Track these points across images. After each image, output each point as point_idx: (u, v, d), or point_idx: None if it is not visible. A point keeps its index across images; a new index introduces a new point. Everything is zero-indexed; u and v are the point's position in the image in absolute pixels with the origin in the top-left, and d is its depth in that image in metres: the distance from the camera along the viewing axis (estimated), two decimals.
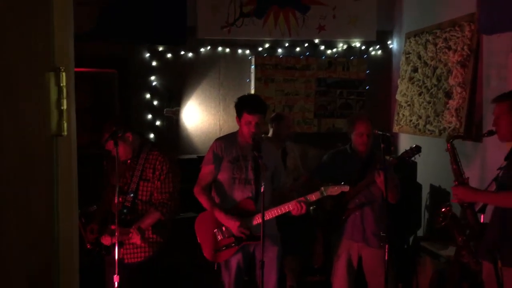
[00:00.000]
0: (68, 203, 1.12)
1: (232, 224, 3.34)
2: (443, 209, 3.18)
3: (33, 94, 1.03)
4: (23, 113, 1.01)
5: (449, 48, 4.39)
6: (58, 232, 1.11)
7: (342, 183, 3.37)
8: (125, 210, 3.31)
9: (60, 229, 1.12)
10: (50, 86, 1.04)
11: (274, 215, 3.35)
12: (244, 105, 3.41)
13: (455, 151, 3.17)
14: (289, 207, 3.33)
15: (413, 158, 3.58)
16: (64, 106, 1.05)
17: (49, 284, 1.12)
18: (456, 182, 3.05)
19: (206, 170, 3.47)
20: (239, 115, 3.43)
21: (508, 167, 2.86)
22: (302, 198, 3.33)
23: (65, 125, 1.07)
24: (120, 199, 3.26)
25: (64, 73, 1.05)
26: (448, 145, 3.19)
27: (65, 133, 1.07)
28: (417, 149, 3.52)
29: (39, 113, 1.04)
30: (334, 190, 3.35)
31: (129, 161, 3.42)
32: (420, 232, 4.81)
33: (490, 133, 2.99)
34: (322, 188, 3.34)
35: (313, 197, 3.35)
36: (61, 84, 1.05)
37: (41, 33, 1.03)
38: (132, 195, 3.35)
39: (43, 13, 1.02)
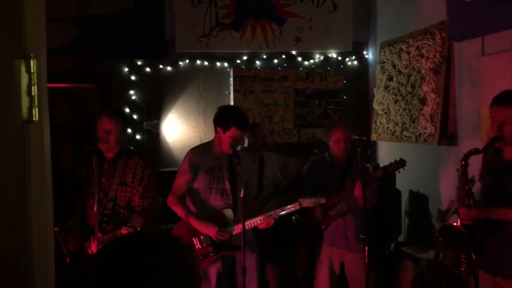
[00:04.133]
0: (41, 191, 1.13)
1: (209, 231, 3.34)
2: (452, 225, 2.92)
3: (3, 80, 1.05)
4: None
5: (422, 56, 4.50)
6: (31, 221, 1.12)
7: (319, 195, 3.42)
8: (105, 218, 3.29)
9: (33, 218, 1.13)
10: (21, 73, 1.06)
11: (247, 227, 3.37)
12: (234, 120, 3.38)
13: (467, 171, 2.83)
14: (259, 221, 3.36)
15: (397, 172, 3.62)
16: (35, 92, 1.07)
17: (22, 271, 1.12)
18: (467, 202, 2.77)
19: (181, 179, 3.46)
20: (224, 128, 3.39)
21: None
22: (271, 212, 3.37)
23: (36, 111, 1.09)
24: (101, 209, 3.24)
25: (34, 60, 1.07)
26: (463, 163, 2.80)
27: (36, 119, 1.09)
28: (402, 163, 3.54)
29: (9, 100, 1.06)
30: (310, 203, 3.40)
31: (106, 165, 3.39)
32: (401, 238, 4.86)
33: (498, 139, 2.71)
34: (300, 200, 3.39)
35: (292, 208, 3.40)
36: (32, 71, 1.07)
37: (12, 20, 1.05)
38: (111, 203, 3.33)
39: (14, 1, 1.04)
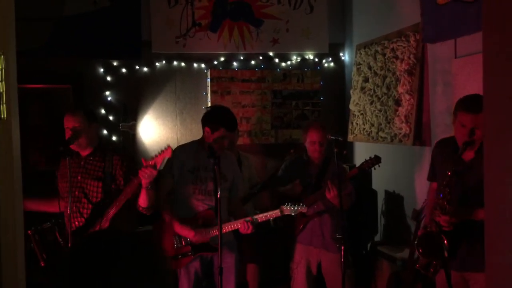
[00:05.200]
0: (10, 191, 1.11)
1: (187, 233, 3.34)
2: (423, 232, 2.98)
3: None
4: None
5: (397, 58, 4.57)
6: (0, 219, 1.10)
7: (301, 204, 3.43)
8: (83, 216, 3.24)
9: (1, 219, 1.10)
10: None
11: (225, 231, 3.36)
12: (223, 121, 3.38)
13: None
14: (238, 225, 3.36)
15: (372, 168, 3.66)
16: (3, 89, 1.05)
17: None
18: (446, 208, 2.85)
19: (165, 178, 3.43)
20: (213, 129, 3.38)
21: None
22: (249, 218, 3.38)
23: (4, 108, 1.07)
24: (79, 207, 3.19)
25: (2, 56, 1.05)
26: (449, 173, 2.85)
27: (4, 116, 1.07)
28: (376, 160, 3.58)
29: None
30: (292, 210, 3.41)
31: (82, 163, 3.34)
32: (377, 237, 4.92)
33: (470, 143, 2.80)
34: (281, 207, 3.40)
35: (273, 214, 3.42)
36: (0, 67, 1.05)
37: None
38: (87, 199, 3.29)
39: None
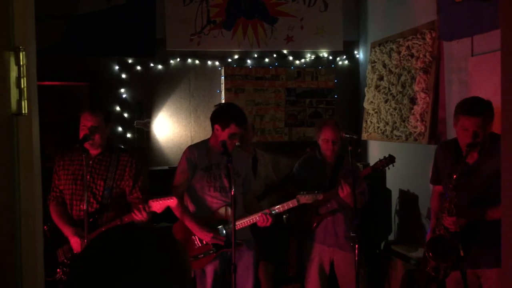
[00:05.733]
0: (30, 185, 1.12)
1: (204, 236, 3.34)
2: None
3: None
4: None
5: (412, 56, 4.53)
6: (20, 215, 1.11)
7: (316, 191, 3.43)
8: (91, 219, 3.24)
9: (22, 212, 1.12)
10: (10, 65, 1.06)
11: (244, 225, 3.37)
12: (233, 117, 3.38)
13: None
14: (256, 218, 3.36)
15: (387, 168, 3.64)
16: (24, 85, 1.07)
17: (10, 266, 1.11)
18: (454, 211, 2.87)
19: (181, 178, 3.43)
20: (224, 126, 3.37)
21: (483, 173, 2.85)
22: (267, 210, 3.37)
23: (25, 104, 1.08)
24: (84, 206, 3.18)
25: (23, 53, 1.06)
26: (455, 176, 2.85)
27: (25, 112, 1.09)
28: (390, 159, 3.56)
29: None
30: (308, 198, 3.41)
31: (91, 162, 3.33)
32: (391, 237, 4.89)
33: (474, 145, 2.83)
34: (298, 196, 3.40)
35: (290, 204, 3.41)
36: (21, 63, 1.06)
37: (0, 13, 1.05)
38: (96, 200, 3.29)
39: None
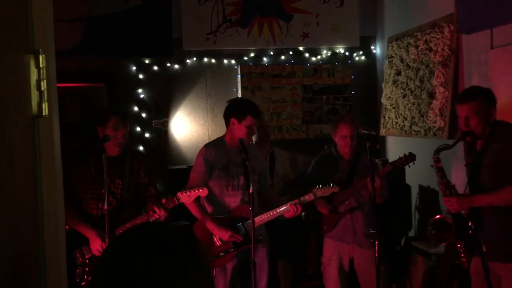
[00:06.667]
0: (52, 185, 1.14)
1: (222, 235, 3.35)
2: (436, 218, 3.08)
3: (13, 75, 1.06)
4: (2, 94, 1.03)
5: (430, 50, 4.48)
6: (42, 215, 1.13)
7: (332, 184, 3.42)
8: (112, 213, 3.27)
9: (45, 213, 1.14)
10: (30, 68, 1.07)
11: (270, 218, 3.37)
12: (248, 109, 3.41)
13: (441, 166, 3.05)
14: (282, 210, 3.36)
15: (407, 166, 3.61)
16: (44, 87, 1.08)
17: (34, 266, 1.13)
18: (447, 192, 2.98)
19: (197, 177, 3.43)
20: (240, 118, 3.39)
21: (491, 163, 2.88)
22: (296, 200, 3.37)
23: (46, 106, 1.10)
24: (105, 205, 3.21)
25: (43, 55, 1.08)
26: (435, 158, 3.03)
27: (46, 114, 1.10)
28: (411, 157, 3.55)
29: (19, 95, 1.07)
30: (325, 192, 3.41)
31: (106, 162, 3.37)
32: (411, 233, 4.85)
33: (466, 133, 2.91)
34: (314, 190, 3.40)
35: (306, 198, 3.41)
36: (41, 66, 1.08)
37: (20, 16, 1.06)
38: (116, 199, 3.32)
39: None
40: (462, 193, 2.98)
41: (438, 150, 3.02)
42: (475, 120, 2.84)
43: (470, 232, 2.90)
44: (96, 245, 3.19)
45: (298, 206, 3.35)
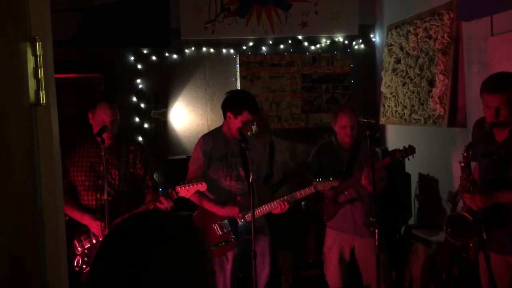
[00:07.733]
0: (50, 174, 1.13)
1: (231, 211, 3.33)
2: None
3: (9, 63, 1.05)
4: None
5: (430, 37, 4.45)
6: (42, 205, 1.12)
7: (331, 178, 3.42)
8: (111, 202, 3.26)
9: (44, 202, 1.13)
10: (27, 56, 1.06)
11: (260, 214, 3.38)
12: (245, 104, 3.37)
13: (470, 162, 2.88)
14: (275, 205, 3.36)
15: (406, 159, 3.59)
16: (42, 75, 1.07)
17: (33, 256, 1.13)
18: (471, 189, 2.84)
19: (196, 168, 3.43)
20: (236, 113, 3.37)
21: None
22: (287, 197, 3.37)
23: (43, 94, 1.09)
24: (104, 195, 3.19)
25: (40, 43, 1.06)
26: (465, 154, 2.85)
27: (44, 102, 1.09)
28: (411, 150, 3.52)
29: (16, 83, 1.05)
30: (325, 185, 3.41)
31: (102, 153, 3.32)
32: (411, 221, 4.85)
33: (496, 124, 2.78)
34: (314, 183, 3.40)
35: (307, 191, 3.41)
36: (38, 54, 1.06)
37: (16, 3, 1.05)
38: (113, 189, 3.31)
39: None
40: (478, 185, 2.88)
41: (470, 147, 2.86)
42: (506, 111, 2.72)
43: (483, 228, 2.82)
44: (96, 226, 3.18)
45: (285, 203, 3.35)
